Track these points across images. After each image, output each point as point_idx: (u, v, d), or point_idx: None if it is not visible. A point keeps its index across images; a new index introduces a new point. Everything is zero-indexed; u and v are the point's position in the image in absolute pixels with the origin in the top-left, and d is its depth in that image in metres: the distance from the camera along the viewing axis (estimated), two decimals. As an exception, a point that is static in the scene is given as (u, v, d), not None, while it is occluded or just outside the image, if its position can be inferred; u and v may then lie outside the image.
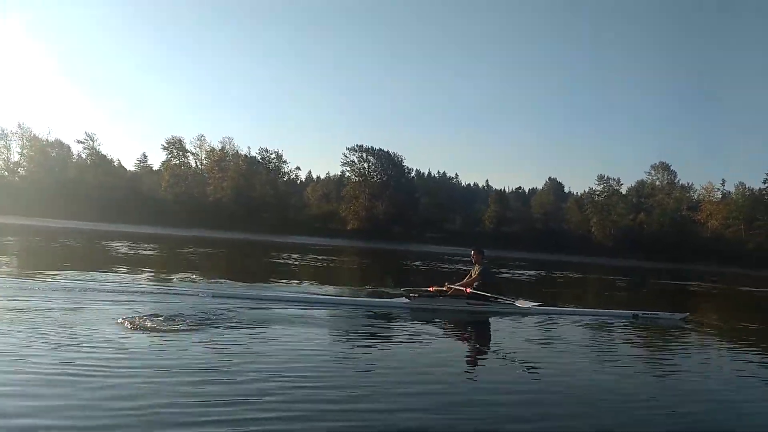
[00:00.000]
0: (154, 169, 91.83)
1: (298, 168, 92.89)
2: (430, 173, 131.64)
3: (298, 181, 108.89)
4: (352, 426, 3.44)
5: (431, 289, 9.39)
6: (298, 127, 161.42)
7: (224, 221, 76.33)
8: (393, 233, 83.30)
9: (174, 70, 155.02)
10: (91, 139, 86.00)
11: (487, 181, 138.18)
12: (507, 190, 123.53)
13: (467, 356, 6.28)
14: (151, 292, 8.75)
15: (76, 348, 4.76)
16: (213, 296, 8.43)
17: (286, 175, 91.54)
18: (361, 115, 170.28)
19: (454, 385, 4.63)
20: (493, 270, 9.76)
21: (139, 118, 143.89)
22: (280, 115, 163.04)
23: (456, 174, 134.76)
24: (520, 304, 9.09)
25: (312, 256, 26.25)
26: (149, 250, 21.83)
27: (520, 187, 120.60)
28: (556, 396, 4.52)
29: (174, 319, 6.31)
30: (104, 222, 61.48)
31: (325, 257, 26.07)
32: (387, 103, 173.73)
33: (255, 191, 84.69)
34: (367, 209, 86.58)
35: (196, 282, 10.85)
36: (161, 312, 6.70)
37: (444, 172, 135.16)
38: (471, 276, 9.39)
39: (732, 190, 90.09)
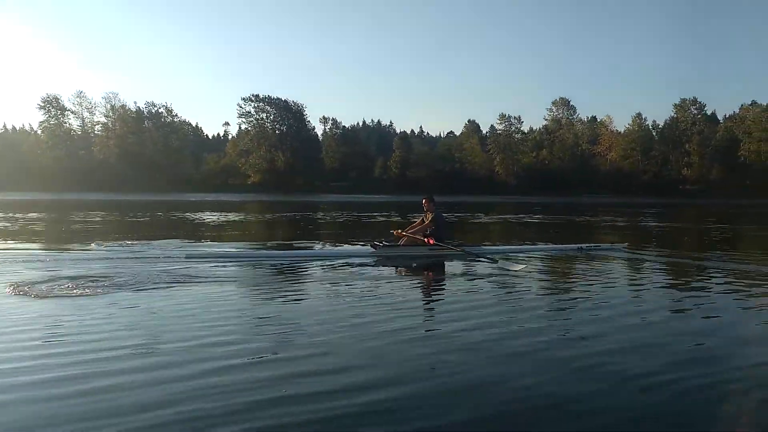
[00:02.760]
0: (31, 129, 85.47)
1: (227, 123, 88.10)
2: (365, 122, 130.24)
3: (229, 137, 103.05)
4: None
5: (395, 233, 9.63)
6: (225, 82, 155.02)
7: (114, 182, 72.09)
8: (296, 184, 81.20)
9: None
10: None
11: (421, 127, 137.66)
12: (442, 135, 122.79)
13: (431, 301, 5.97)
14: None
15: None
16: (187, 257, 8.30)
17: (181, 130, 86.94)
18: (286, 65, 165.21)
19: (418, 331, 4.41)
20: (445, 215, 9.70)
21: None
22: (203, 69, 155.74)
23: (390, 122, 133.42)
24: (474, 248, 9.36)
25: (214, 213, 24.02)
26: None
27: (451, 131, 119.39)
28: (526, 332, 4.36)
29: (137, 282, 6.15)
30: None
31: (230, 213, 23.91)
32: (312, 51, 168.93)
33: (145, 148, 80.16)
34: (268, 161, 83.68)
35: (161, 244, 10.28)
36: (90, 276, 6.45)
37: (378, 120, 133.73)
38: (424, 222, 9.38)
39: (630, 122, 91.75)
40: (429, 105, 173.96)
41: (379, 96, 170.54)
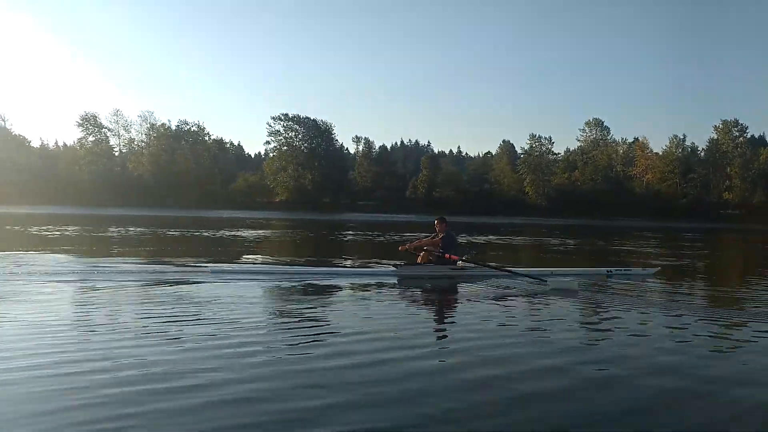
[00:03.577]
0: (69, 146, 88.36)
1: (268, 142, 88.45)
2: (402, 142, 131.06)
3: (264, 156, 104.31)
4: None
5: (400, 249, 9.86)
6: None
7: (147, 198, 73.76)
8: (323, 203, 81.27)
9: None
10: (2, 120, 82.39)
11: (459, 147, 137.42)
12: (480, 155, 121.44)
13: (447, 321, 6.01)
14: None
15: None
16: (212, 272, 8.55)
17: (212, 148, 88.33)
18: (326, 86, 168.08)
19: (435, 349, 4.48)
20: (455, 236, 9.85)
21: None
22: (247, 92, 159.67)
23: (428, 142, 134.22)
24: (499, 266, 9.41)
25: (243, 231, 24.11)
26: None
27: (489, 152, 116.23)
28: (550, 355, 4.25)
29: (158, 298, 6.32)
30: (18, 204, 58.57)
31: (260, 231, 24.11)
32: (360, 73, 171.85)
33: (177, 166, 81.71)
34: (296, 180, 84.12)
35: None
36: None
37: (417, 140, 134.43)
38: (433, 239, 9.57)
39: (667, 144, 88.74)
40: (467, 125, 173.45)
41: (418, 117, 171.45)
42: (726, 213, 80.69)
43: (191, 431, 2.67)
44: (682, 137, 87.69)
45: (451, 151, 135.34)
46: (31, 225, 22.87)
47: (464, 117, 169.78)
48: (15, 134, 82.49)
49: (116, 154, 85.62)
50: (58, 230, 19.68)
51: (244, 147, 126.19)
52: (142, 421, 2.75)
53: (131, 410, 2.87)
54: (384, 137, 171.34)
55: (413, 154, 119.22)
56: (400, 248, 9.78)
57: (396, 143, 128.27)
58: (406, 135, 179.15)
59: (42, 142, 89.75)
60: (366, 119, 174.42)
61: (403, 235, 23.12)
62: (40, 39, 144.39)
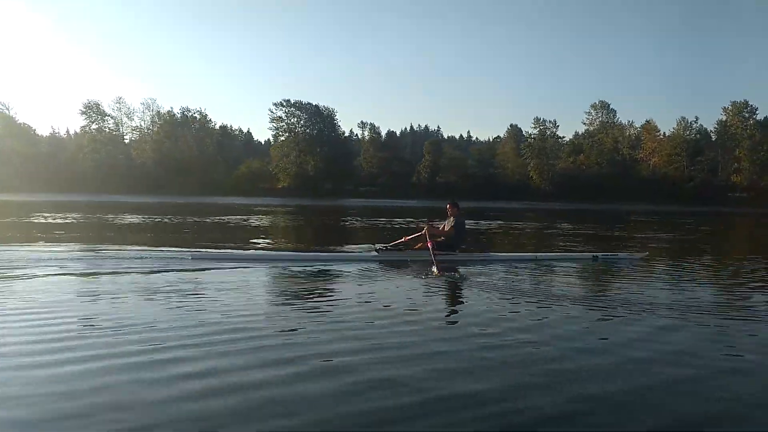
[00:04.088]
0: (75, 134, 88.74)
1: (276, 129, 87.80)
2: (411, 127, 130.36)
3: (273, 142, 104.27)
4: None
5: (405, 239, 9.44)
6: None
7: (150, 185, 73.89)
8: (325, 189, 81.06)
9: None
10: (6, 108, 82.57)
11: (468, 131, 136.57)
12: (490, 139, 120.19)
13: (428, 306, 5.81)
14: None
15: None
16: (192, 258, 8.49)
17: (214, 135, 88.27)
18: (335, 72, 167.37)
19: (416, 334, 4.37)
20: (466, 221, 9.74)
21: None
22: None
23: (438, 127, 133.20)
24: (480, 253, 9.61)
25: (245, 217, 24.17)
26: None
27: (498, 136, 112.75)
28: (525, 342, 4.21)
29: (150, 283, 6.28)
30: (23, 192, 59.04)
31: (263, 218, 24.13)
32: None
33: (180, 153, 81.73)
34: (298, 166, 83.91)
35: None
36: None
37: (426, 125, 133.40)
38: (445, 226, 9.44)
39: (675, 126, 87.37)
40: (477, 110, 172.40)
41: (428, 102, 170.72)
42: (734, 196, 79.57)
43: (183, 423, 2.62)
44: (694, 119, 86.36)
45: (461, 136, 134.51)
46: (31, 212, 22.96)
47: (473, 102, 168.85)
48: (20, 123, 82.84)
49: (126, 141, 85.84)
50: (53, 218, 19.67)
51: (253, 134, 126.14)
52: (121, 408, 2.73)
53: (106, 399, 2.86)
54: (393, 123, 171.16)
55: (422, 139, 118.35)
56: (425, 229, 9.16)
57: (405, 129, 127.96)
58: (415, 120, 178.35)
59: (53, 130, 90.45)
60: (376, 106, 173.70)
61: (409, 220, 23.06)
62: (49, 34, 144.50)
